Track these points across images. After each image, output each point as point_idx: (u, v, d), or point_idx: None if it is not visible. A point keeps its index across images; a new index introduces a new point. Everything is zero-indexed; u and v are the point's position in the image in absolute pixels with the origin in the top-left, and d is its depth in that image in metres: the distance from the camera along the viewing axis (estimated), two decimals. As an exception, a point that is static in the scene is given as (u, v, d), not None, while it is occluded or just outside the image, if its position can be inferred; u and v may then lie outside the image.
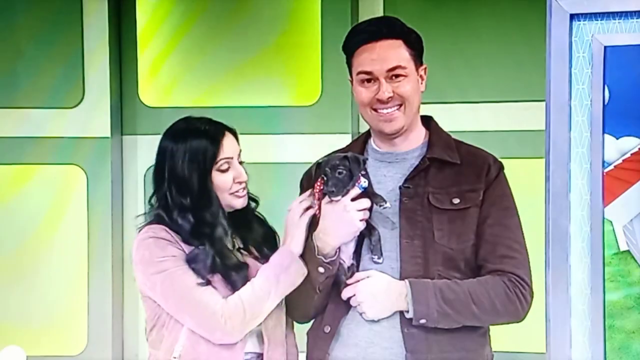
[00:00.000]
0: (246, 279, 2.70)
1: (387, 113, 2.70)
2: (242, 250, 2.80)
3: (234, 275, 2.69)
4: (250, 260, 2.78)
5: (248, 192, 2.83)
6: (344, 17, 4.57)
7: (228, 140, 2.75)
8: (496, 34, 4.54)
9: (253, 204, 2.87)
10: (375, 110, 2.71)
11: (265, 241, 2.84)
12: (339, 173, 2.65)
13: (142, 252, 2.71)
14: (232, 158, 2.75)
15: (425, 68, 2.75)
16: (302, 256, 2.70)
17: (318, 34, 4.66)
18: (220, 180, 2.74)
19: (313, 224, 2.72)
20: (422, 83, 2.75)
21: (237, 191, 2.76)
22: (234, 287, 2.69)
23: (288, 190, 2.92)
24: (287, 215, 2.75)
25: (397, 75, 2.68)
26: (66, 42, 4.72)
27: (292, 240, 2.71)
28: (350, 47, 2.73)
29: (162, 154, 2.74)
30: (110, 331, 4.71)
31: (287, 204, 2.87)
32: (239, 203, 2.78)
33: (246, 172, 2.79)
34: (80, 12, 4.72)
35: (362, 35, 2.71)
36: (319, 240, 2.68)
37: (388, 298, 2.64)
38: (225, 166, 2.74)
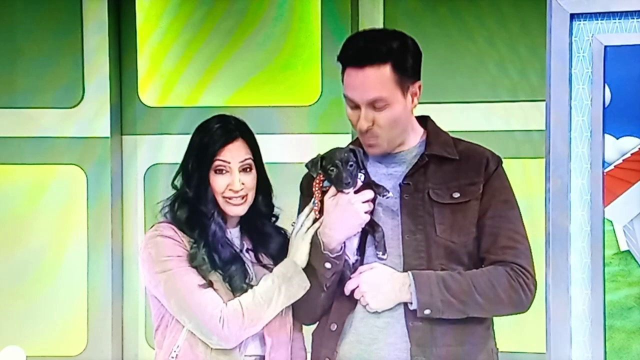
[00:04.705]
0: (244, 275, 2.70)
1: (368, 139, 2.70)
2: (250, 252, 2.80)
3: (231, 269, 2.69)
4: (258, 268, 2.78)
5: (273, 206, 2.83)
6: (344, 17, 4.57)
7: (234, 146, 2.75)
8: (496, 34, 4.54)
9: (273, 218, 2.86)
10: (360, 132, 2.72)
11: (279, 254, 2.80)
12: (350, 165, 2.65)
13: (149, 250, 2.73)
14: (229, 163, 2.74)
15: (419, 85, 2.71)
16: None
17: (318, 34, 4.66)
18: (215, 182, 2.74)
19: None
20: (414, 100, 2.71)
21: (230, 198, 2.75)
22: (231, 281, 2.69)
23: (288, 191, 2.91)
24: (293, 228, 2.76)
25: (378, 106, 2.66)
26: (66, 42, 4.71)
27: (296, 253, 2.71)
28: (342, 62, 2.72)
29: (188, 144, 2.80)
30: (110, 331, 4.70)
31: (287, 204, 2.86)
32: (232, 210, 2.76)
33: (242, 183, 2.74)
34: (80, 12, 4.71)
35: (350, 53, 2.68)
36: (325, 235, 2.68)
37: (391, 289, 2.65)
38: (220, 169, 2.74)
